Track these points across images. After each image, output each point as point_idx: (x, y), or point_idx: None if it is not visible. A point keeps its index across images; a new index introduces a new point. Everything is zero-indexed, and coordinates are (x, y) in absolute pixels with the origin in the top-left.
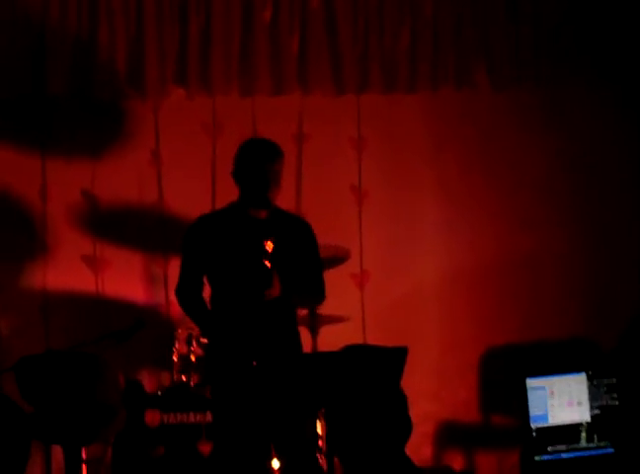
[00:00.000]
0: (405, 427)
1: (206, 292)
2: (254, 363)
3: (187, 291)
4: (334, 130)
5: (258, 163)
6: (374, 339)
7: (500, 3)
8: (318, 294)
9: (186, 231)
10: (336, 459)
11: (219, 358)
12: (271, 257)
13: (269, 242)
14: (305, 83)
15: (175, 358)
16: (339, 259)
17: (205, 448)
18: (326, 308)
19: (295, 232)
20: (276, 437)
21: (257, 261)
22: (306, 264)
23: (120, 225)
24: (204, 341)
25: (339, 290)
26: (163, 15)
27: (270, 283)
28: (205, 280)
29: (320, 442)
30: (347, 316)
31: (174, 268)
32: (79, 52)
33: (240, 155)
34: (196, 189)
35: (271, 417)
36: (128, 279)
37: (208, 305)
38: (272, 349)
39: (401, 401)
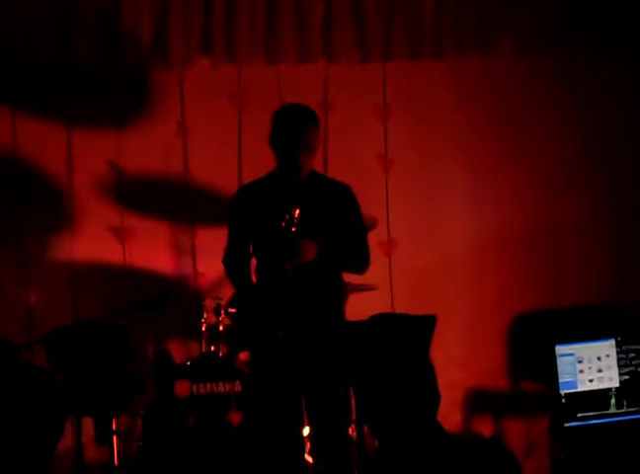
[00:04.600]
0: (434, 395)
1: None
2: (279, 335)
3: (232, 261)
4: (359, 99)
5: (291, 131)
6: (402, 307)
7: None
8: (363, 259)
9: (229, 203)
10: (365, 428)
11: (249, 328)
12: (297, 223)
13: (296, 209)
14: (330, 51)
15: (203, 329)
16: (367, 227)
17: (235, 418)
18: (353, 277)
19: (335, 196)
20: (307, 405)
21: (286, 228)
22: (348, 228)
23: (146, 196)
24: (233, 310)
25: None
26: None
27: (295, 250)
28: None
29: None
30: (375, 284)
31: (201, 238)
32: (104, 23)
33: (274, 122)
34: (222, 159)
35: (301, 385)
36: (156, 250)
37: (254, 276)
38: (305, 316)
39: (429, 370)
